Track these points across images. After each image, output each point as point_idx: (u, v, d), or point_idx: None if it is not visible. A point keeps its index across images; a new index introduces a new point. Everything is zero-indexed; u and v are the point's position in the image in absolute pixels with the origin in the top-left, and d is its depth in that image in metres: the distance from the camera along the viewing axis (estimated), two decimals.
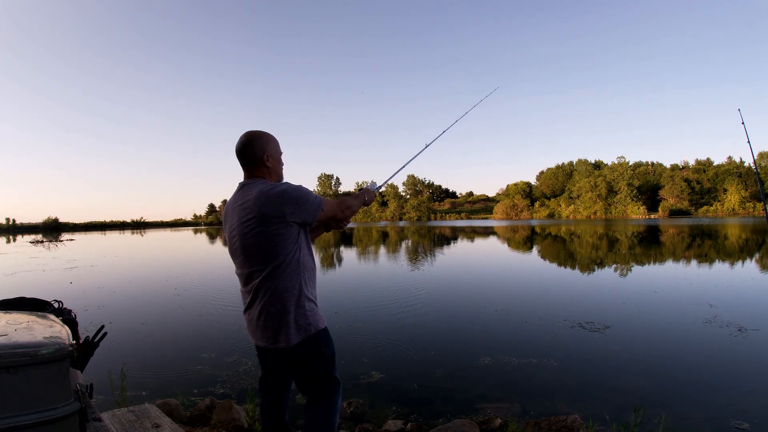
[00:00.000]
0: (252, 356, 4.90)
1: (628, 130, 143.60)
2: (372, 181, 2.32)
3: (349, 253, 19.67)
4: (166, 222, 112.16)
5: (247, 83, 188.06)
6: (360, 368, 4.54)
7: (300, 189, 1.83)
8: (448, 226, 55.44)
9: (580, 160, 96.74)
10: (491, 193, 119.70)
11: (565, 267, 12.99)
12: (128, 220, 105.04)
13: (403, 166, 2.73)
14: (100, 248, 27.28)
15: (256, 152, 1.88)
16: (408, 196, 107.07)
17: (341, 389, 1.92)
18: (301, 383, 1.90)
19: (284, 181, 1.97)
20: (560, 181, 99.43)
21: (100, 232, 67.85)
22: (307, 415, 1.87)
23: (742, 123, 3.19)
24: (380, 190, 2.27)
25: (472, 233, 35.28)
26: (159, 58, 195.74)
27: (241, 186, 1.89)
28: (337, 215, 1.97)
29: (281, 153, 1.99)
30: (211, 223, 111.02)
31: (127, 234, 56.88)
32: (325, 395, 1.86)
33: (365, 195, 2.18)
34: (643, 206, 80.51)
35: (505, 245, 22.75)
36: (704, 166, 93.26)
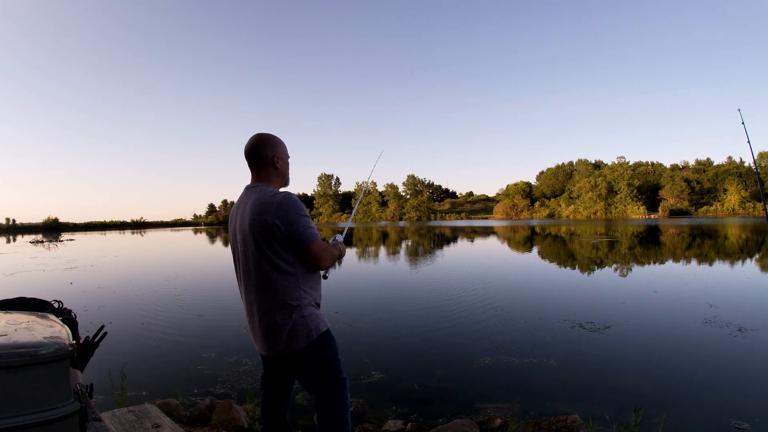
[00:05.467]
0: (252, 356, 4.90)
1: (628, 130, 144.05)
2: (339, 235, 2.22)
3: (348, 253, 19.67)
4: (166, 222, 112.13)
5: (246, 84, 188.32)
6: (360, 368, 4.54)
7: (299, 208, 1.78)
8: (448, 226, 55.42)
9: (580, 160, 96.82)
10: (491, 193, 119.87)
11: (565, 267, 12.99)
12: (128, 220, 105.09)
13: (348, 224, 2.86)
14: (100, 248, 27.28)
15: (267, 153, 1.89)
16: (408, 196, 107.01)
17: (348, 385, 1.92)
18: (307, 386, 1.90)
19: (289, 186, 2.02)
20: (560, 181, 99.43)
21: (100, 232, 67.83)
22: (319, 414, 1.89)
23: (742, 123, 3.19)
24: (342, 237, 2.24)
25: (472, 233, 35.28)
26: (159, 58, 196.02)
27: (247, 189, 1.91)
28: (322, 257, 1.82)
29: (289, 156, 2.01)
30: (211, 223, 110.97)
31: (127, 234, 56.87)
32: (333, 395, 1.87)
33: (340, 247, 2.04)
34: (643, 206, 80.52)
35: (505, 245, 22.75)
36: (704, 166, 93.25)
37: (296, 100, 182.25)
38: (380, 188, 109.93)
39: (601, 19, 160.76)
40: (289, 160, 2.02)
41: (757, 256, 14.75)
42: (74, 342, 1.50)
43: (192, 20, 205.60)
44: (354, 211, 3.10)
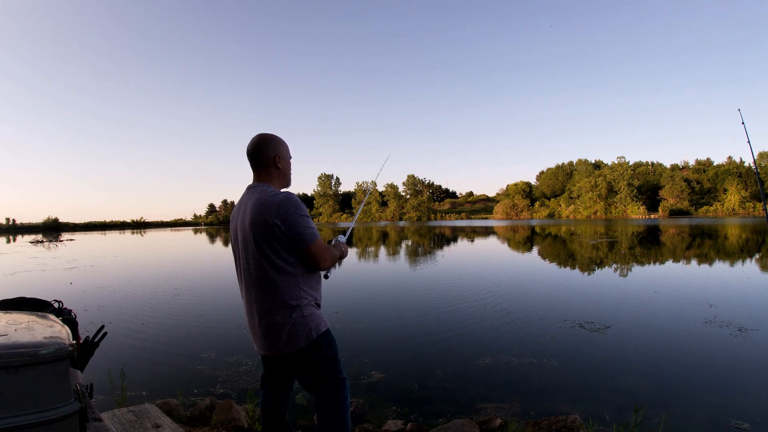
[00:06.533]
0: (252, 356, 4.90)
1: (628, 130, 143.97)
2: (341, 235, 2.24)
3: (349, 253, 19.62)
4: (166, 222, 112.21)
5: (247, 84, 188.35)
6: (360, 368, 4.54)
7: (300, 208, 1.78)
8: (448, 226, 55.43)
9: (580, 160, 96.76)
10: (491, 193, 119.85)
11: (565, 267, 12.99)
12: (128, 220, 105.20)
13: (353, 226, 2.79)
14: (100, 248, 27.28)
15: (269, 153, 1.90)
16: (408, 196, 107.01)
17: (348, 385, 1.92)
18: (307, 386, 1.91)
19: (290, 186, 2.02)
20: (560, 181, 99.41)
21: (100, 232, 67.85)
22: (319, 415, 1.89)
23: (742, 123, 3.19)
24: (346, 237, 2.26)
25: (472, 233, 35.28)
26: (159, 58, 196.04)
27: (248, 189, 1.92)
28: (322, 257, 1.84)
29: (290, 157, 2.02)
30: (211, 223, 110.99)
31: (127, 234, 56.88)
32: (332, 395, 1.87)
33: (342, 248, 2.06)
34: (643, 206, 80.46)
35: (505, 245, 22.75)
36: (704, 166, 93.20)
37: (296, 99, 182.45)
38: (380, 188, 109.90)
39: (601, 19, 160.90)
40: (291, 161, 2.03)
41: (757, 256, 14.74)
42: (74, 342, 1.50)
43: (192, 20, 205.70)
44: (358, 212, 3.11)
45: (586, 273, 11.55)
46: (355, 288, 9.88)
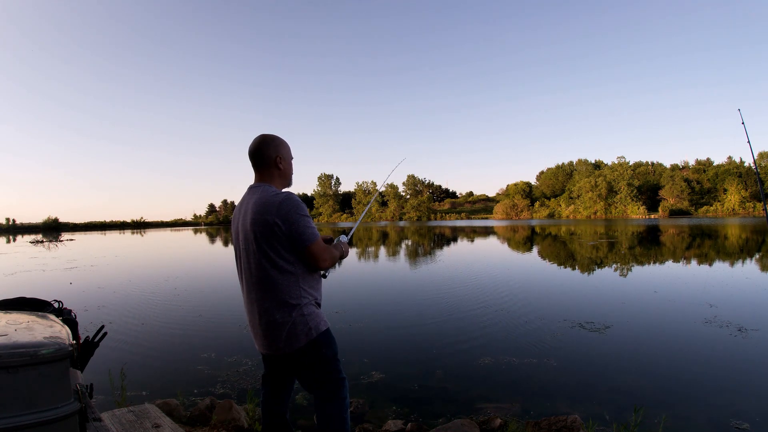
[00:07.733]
0: (252, 356, 4.90)
1: (628, 130, 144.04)
2: (343, 234, 2.27)
3: (349, 253, 19.60)
4: (166, 222, 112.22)
5: (247, 84, 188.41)
6: (360, 368, 4.54)
7: (300, 208, 1.79)
8: (448, 226, 55.39)
9: (580, 160, 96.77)
10: (491, 193, 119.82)
11: (565, 267, 12.99)
12: (128, 220, 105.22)
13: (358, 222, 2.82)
14: (99, 248, 27.27)
15: (270, 154, 1.92)
16: (408, 196, 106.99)
17: (347, 385, 1.93)
18: (307, 385, 1.91)
19: (292, 187, 2.04)
20: (560, 181, 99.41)
21: (100, 232, 67.85)
22: (318, 414, 1.89)
23: (742, 123, 3.19)
24: (349, 237, 2.29)
25: (472, 233, 35.27)
26: (159, 58, 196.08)
27: (250, 189, 1.93)
28: (322, 257, 1.85)
29: (292, 157, 2.03)
30: (211, 223, 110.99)
31: (127, 234, 56.87)
32: (332, 394, 1.87)
33: (342, 248, 2.08)
34: (643, 206, 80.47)
35: (505, 245, 22.75)
36: (704, 166, 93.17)
37: (297, 100, 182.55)
38: (380, 188, 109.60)
39: (601, 19, 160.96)
40: (292, 161, 2.04)
41: (757, 256, 14.74)
42: (74, 342, 1.51)
43: (192, 20, 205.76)
44: (364, 212, 3.12)
45: (586, 273, 11.54)
46: (355, 288, 9.88)
